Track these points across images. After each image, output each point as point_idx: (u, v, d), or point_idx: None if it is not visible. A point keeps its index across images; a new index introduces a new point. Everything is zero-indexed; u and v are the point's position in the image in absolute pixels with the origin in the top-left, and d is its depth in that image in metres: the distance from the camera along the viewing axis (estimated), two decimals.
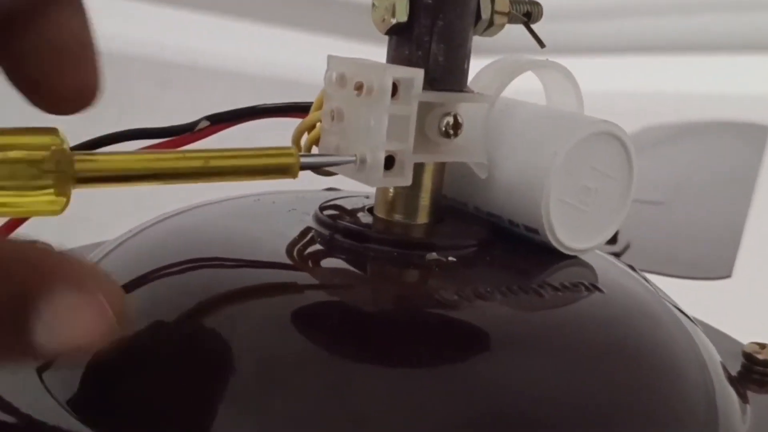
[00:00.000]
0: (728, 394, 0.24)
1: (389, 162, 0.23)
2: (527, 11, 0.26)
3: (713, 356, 0.25)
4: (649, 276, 0.29)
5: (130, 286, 0.23)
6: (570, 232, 0.25)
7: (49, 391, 0.21)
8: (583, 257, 0.26)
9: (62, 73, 0.18)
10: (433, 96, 0.24)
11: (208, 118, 0.27)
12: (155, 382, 0.20)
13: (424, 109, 0.24)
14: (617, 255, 0.38)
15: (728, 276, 0.37)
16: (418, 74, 0.23)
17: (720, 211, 0.47)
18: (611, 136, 0.25)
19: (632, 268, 0.28)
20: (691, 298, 0.31)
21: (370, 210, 0.27)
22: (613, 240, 0.39)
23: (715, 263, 0.39)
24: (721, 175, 0.54)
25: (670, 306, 0.26)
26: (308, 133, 0.26)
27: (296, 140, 0.26)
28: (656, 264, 0.37)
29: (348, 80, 0.23)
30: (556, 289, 0.23)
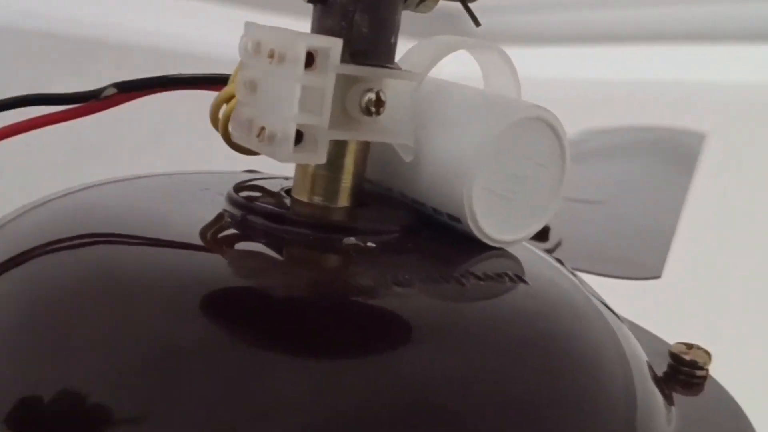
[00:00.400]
0: (652, 394, 0.23)
1: (301, 136, 0.21)
2: None
3: (638, 354, 0.24)
4: (580, 274, 0.28)
5: (17, 260, 0.21)
6: (495, 222, 0.24)
7: None
8: (510, 249, 0.25)
9: None
10: (354, 69, 0.22)
11: (115, 85, 0.25)
12: (36, 371, 0.18)
13: (345, 83, 0.22)
14: (548, 252, 0.37)
15: (658, 277, 0.37)
16: (335, 44, 0.21)
17: (652, 213, 0.46)
18: (544, 123, 0.24)
19: (560, 262, 0.27)
20: (621, 297, 0.31)
21: (288, 191, 0.25)
22: (544, 237, 0.38)
23: (646, 264, 0.39)
24: (656, 177, 0.53)
25: (596, 302, 0.25)
26: (226, 105, 0.24)
27: (215, 112, 0.25)
28: (587, 263, 0.36)
29: (263, 49, 0.22)
30: (478, 278, 0.22)
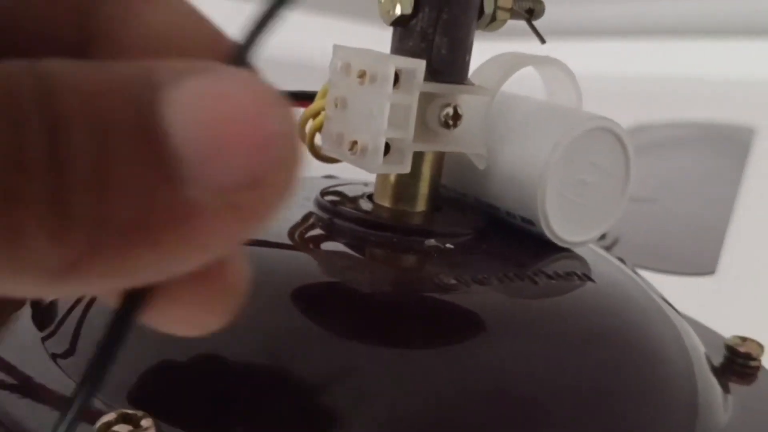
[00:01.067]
0: (711, 383, 0.25)
1: (388, 149, 0.24)
2: (530, 8, 0.27)
3: (697, 347, 0.26)
4: (640, 272, 0.30)
5: None
6: (565, 225, 0.26)
7: (50, 354, 0.21)
8: (577, 250, 0.27)
9: None
10: (434, 87, 0.24)
11: None
12: (155, 355, 0.21)
13: (425, 99, 0.24)
14: (606, 249, 0.39)
15: (712, 272, 0.38)
16: (420, 65, 0.23)
17: (705, 209, 0.48)
18: (609, 132, 0.26)
19: (622, 261, 0.29)
20: (678, 293, 0.32)
21: (370, 197, 0.27)
22: (601, 235, 0.40)
23: (700, 260, 0.40)
24: (707, 174, 0.55)
25: (658, 298, 0.27)
26: (313, 120, 0.27)
27: (302, 127, 0.27)
28: (643, 259, 0.38)
29: (352, 69, 0.24)
30: (550, 277, 0.24)
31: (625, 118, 0.30)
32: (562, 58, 0.28)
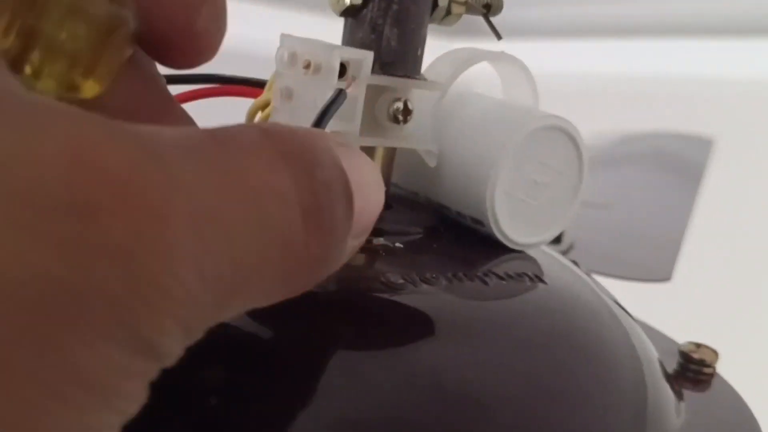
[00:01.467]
0: (662, 389, 0.24)
1: None
2: (487, 3, 0.26)
3: (650, 352, 0.25)
4: (594, 276, 0.29)
5: None
6: (516, 226, 0.25)
7: None
8: (529, 252, 0.26)
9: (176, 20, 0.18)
10: (383, 80, 0.24)
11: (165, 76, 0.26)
12: None
13: (375, 92, 0.24)
14: (561, 254, 0.38)
15: (668, 279, 0.38)
16: (367, 56, 0.23)
17: (661, 216, 0.48)
18: (562, 132, 0.26)
19: (575, 264, 0.28)
20: (633, 299, 0.32)
21: None
22: (557, 240, 0.39)
23: (656, 267, 0.40)
24: (664, 181, 0.55)
25: (610, 302, 0.26)
26: (262, 112, 0.26)
27: (250, 118, 0.26)
28: (599, 265, 0.38)
29: (299, 59, 0.23)
30: (500, 278, 0.23)
31: (584, 117, 0.29)
32: (523, 57, 0.27)
